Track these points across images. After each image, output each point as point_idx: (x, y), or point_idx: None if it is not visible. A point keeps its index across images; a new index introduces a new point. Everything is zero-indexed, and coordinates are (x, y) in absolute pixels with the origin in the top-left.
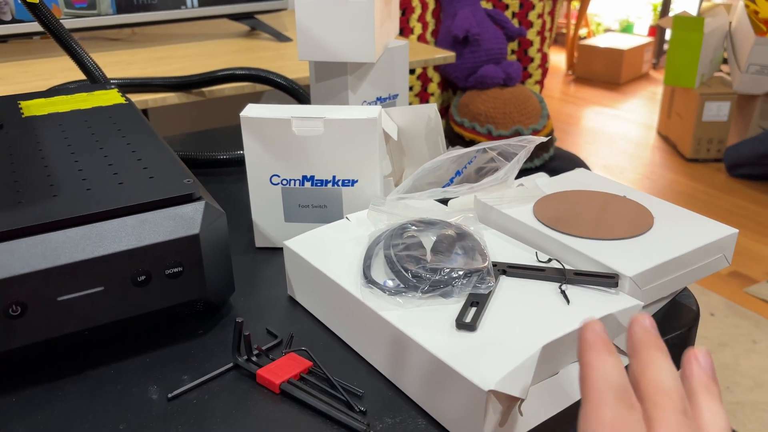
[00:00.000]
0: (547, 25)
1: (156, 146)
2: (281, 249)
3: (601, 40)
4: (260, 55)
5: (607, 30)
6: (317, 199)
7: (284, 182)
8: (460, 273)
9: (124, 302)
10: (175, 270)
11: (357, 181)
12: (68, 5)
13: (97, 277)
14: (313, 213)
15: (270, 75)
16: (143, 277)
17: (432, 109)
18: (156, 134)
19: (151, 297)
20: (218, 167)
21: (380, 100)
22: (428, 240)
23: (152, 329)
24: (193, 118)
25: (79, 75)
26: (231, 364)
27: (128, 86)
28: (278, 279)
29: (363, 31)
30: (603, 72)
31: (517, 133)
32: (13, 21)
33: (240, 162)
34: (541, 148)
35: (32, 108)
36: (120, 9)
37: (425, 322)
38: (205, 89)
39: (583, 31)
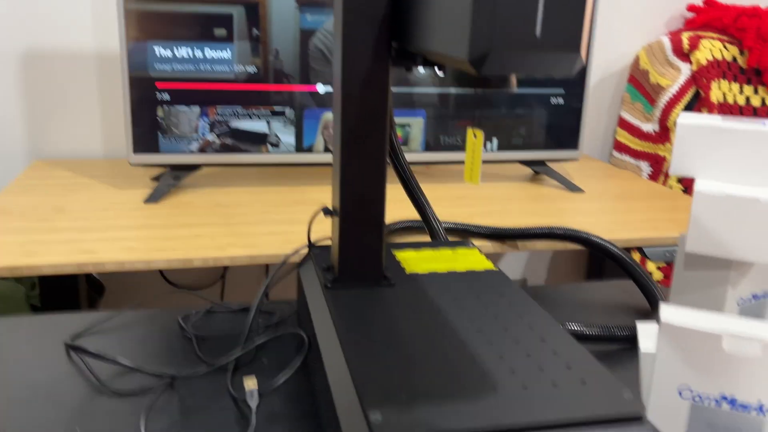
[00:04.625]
0: None
1: (562, 337)
2: None
3: None
4: (558, 206)
5: None
6: (733, 424)
7: (696, 398)
8: None
9: None
10: None
11: None
12: None
13: None
14: None
15: (603, 242)
16: None
17: None
18: (553, 319)
19: None
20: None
21: (756, 298)
22: None
23: None
24: None
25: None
26: None
27: (449, 230)
28: None
29: None
30: None
31: None
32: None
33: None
34: None
35: (410, 262)
36: (428, 147)
37: None
38: (519, 242)
39: None
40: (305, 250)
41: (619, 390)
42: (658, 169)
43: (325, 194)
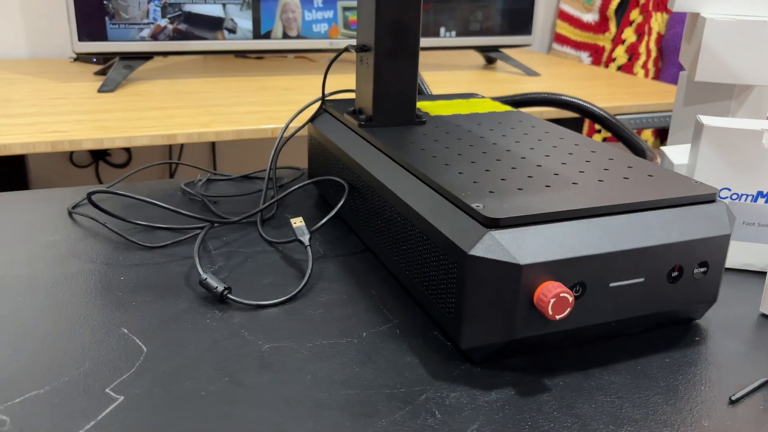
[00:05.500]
0: None
1: (611, 149)
2: None
3: None
4: (520, 86)
5: None
6: (767, 218)
7: (734, 197)
8: None
9: (656, 297)
10: (702, 270)
11: None
12: (346, 26)
13: (643, 267)
14: (758, 232)
15: (585, 103)
16: (676, 274)
17: None
18: (592, 139)
19: (677, 295)
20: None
21: None
22: None
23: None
24: None
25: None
26: None
27: None
28: (741, 295)
29: None
30: None
31: None
32: (298, 37)
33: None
34: None
35: (430, 109)
36: None
37: None
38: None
39: None
40: (315, 106)
41: (686, 179)
42: (598, 58)
43: (289, 82)
